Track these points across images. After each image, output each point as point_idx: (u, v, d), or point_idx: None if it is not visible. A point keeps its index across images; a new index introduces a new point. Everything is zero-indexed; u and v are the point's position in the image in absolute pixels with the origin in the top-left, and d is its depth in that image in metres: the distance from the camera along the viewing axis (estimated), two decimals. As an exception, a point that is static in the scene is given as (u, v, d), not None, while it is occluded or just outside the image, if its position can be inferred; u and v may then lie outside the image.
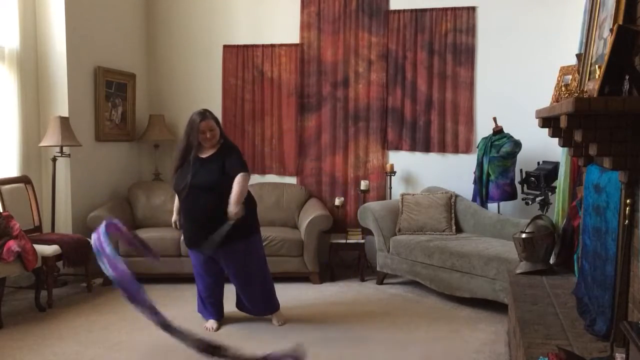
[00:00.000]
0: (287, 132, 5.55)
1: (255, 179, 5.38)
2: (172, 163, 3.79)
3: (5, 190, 4.28)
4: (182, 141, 3.61)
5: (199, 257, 3.65)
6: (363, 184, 5.23)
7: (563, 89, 2.77)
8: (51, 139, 4.51)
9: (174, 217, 3.84)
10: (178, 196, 3.65)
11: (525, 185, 4.61)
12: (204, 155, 3.59)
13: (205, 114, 3.54)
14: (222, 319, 3.81)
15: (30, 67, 4.67)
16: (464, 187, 5.02)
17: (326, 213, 4.92)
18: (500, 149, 4.64)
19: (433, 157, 5.32)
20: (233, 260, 3.59)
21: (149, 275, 4.77)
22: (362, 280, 4.93)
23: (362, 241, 5.00)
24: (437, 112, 5.24)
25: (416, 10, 5.24)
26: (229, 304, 3.83)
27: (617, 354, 2.11)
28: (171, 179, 3.69)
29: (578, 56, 2.93)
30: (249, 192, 3.68)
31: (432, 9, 5.20)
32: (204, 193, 3.46)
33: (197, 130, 3.50)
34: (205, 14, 5.68)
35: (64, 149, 4.60)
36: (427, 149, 5.31)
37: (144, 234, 4.85)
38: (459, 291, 4.17)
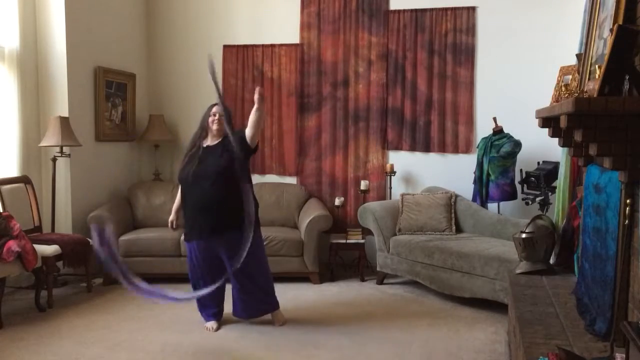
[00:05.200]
0: (287, 132, 5.55)
1: (255, 179, 5.37)
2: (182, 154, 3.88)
3: (5, 190, 4.28)
4: (196, 130, 3.76)
5: (200, 255, 3.65)
6: (363, 184, 5.23)
7: (563, 89, 2.77)
8: (51, 139, 4.51)
9: (172, 216, 3.85)
10: (182, 186, 3.67)
11: (525, 185, 4.62)
12: (208, 145, 3.66)
13: (220, 103, 3.74)
14: (221, 319, 3.80)
15: (30, 67, 4.67)
16: (464, 187, 5.02)
17: (326, 213, 4.92)
18: (500, 149, 4.64)
19: (433, 157, 5.32)
20: (237, 250, 3.57)
21: (149, 275, 4.75)
22: (362, 280, 4.93)
23: (362, 241, 5.00)
24: (437, 112, 5.24)
25: (416, 10, 5.24)
26: (229, 303, 3.83)
27: (617, 354, 2.11)
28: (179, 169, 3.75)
29: (578, 56, 2.93)
30: (252, 192, 3.70)
31: (432, 9, 5.20)
32: (208, 181, 3.51)
33: (208, 114, 3.69)
34: (205, 14, 5.68)
35: (64, 149, 4.60)
36: (427, 149, 5.31)
37: (144, 234, 4.87)
38: (459, 291, 4.17)
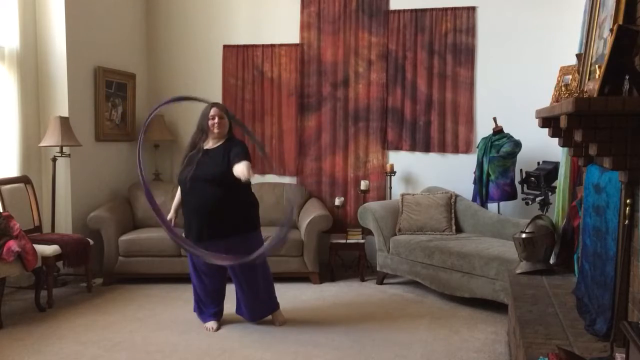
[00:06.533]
0: (287, 132, 5.55)
1: (255, 178, 5.37)
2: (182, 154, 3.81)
3: (5, 190, 4.28)
4: (194, 132, 3.69)
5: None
6: (363, 184, 5.23)
7: (563, 89, 2.77)
8: (51, 139, 4.51)
9: (171, 214, 3.81)
10: (181, 189, 3.65)
11: (525, 185, 4.62)
12: (209, 147, 3.61)
13: (217, 103, 3.72)
14: (221, 319, 3.80)
15: (30, 67, 4.67)
16: (464, 187, 5.02)
17: (326, 213, 4.91)
18: (500, 149, 4.64)
19: (433, 157, 5.32)
20: (237, 253, 3.55)
21: (149, 275, 4.78)
22: (362, 280, 4.93)
23: (362, 241, 5.00)
24: (437, 112, 5.24)
25: (416, 10, 5.24)
26: (229, 303, 3.83)
27: (617, 354, 2.11)
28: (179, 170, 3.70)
29: (578, 56, 2.93)
30: (252, 191, 3.70)
31: (432, 9, 5.20)
32: (208, 185, 3.47)
33: (206, 116, 3.59)
34: (205, 14, 5.68)
35: (64, 149, 4.60)
36: (427, 149, 5.31)
37: (144, 234, 4.87)
38: (459, 291, 4.17)
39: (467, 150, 5.20)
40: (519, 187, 4.73)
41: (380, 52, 5.34)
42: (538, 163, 4.66)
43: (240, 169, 3.32)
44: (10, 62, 4.47)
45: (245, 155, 3.49)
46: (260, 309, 3.78)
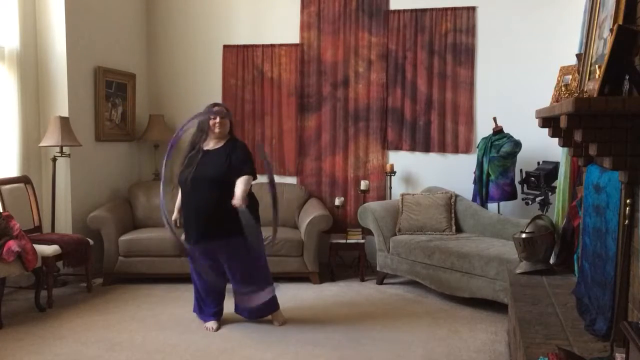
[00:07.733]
0: (287, 132, 5.55)
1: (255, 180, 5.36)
2: (181, 155, 3.78)
3: (5, 190, 4.28)
4: (194, 132, 3.66)
5: (200, 256, 3.64)
6: (363, 184, 5.23)
7: (563, 89, 2.78)
8: (51, 139, 4.51)
9: (175, 215, 3.81)
10: (181, 189, 3.63)
11: (525, 185, 4.62)
12: (210, 148, 3.60)
13: (218, 103, 3.72)
14: (221, 319, 3.80)
15: (30, 67, 4.67)
16: (464, 187, 5.02)
17: (326, 213, 4.91)
18: (500, 149, 4.64)
19: (433, 157, 5.32)
20: (238, 255, 3.56)
21: (149, 275, 4.78)
22: (362, 280, 4.93)
23: (362, 241, 5.00)
24: (437, 112, 5.24)
25: (416, 10, 5.24)
26: (229, 303, 3.83)
27: (617, 354, 2.11)
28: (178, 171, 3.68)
29: (578, 56, 2.93)
30: (252, 192, 3.68)
31: (432, 9, 5.20)
32: (209, 185, 3.46)
33: (208, 115, 3.56)
34: (205, 14, 5.68)
35: (64, 149, 4.60)
36: (427, 149, 5.31)
37: (144, 234, 4.87)
38: (459, 291, 4.17)
39: (467, 150, 5.20)
40: (519, 187, 4.73)
41: (380, 52, 5.34)
42: (538, 163, 4.66)
43: (238, 193, 3.34)
44: (10, 62, 4.47)
45: (249, 166, 3.50)
46: (260, 308, 3.77)
